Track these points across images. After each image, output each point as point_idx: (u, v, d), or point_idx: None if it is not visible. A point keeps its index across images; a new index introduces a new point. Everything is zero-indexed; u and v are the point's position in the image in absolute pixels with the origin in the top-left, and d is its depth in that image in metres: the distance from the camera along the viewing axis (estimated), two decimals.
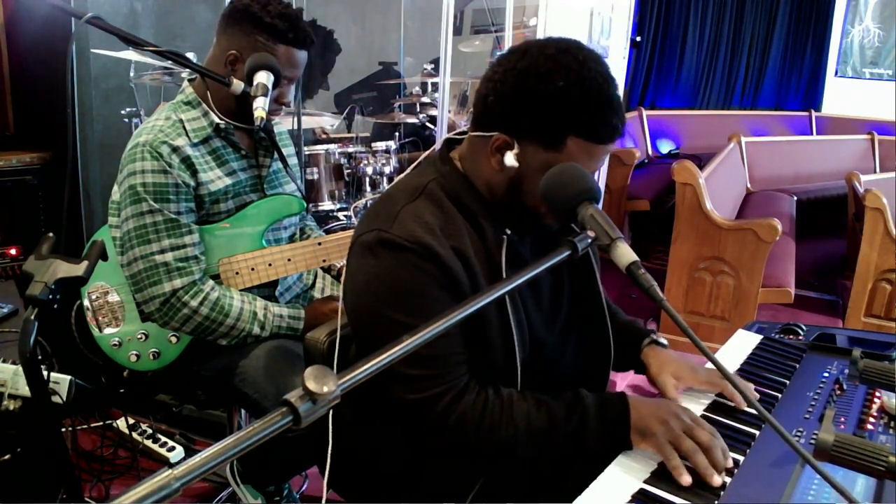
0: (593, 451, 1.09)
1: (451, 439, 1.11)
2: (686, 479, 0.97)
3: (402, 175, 1.23)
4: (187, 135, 1.62)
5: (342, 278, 1.22)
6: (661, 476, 1.01)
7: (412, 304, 1.08)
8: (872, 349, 1.28)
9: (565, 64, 1.05)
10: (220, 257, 1.68)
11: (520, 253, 1.18)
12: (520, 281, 0.84)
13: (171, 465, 0.55)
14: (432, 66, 3.97)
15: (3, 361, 1.67)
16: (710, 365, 1.25)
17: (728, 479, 0.98)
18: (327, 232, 2.10)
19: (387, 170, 3.30)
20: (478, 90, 1.15)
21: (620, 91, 1.14)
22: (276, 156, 1.77)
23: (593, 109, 1.05)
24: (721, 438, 1.03)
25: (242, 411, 1.91)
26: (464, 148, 1.20)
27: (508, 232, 1.16)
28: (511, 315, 1.13)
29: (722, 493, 0.95)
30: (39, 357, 1.23)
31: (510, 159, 1.09)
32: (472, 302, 0.77)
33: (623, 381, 3.04)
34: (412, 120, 3.75)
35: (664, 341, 1.34)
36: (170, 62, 1.93)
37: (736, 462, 1.02)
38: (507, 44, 3.47)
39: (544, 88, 1.05)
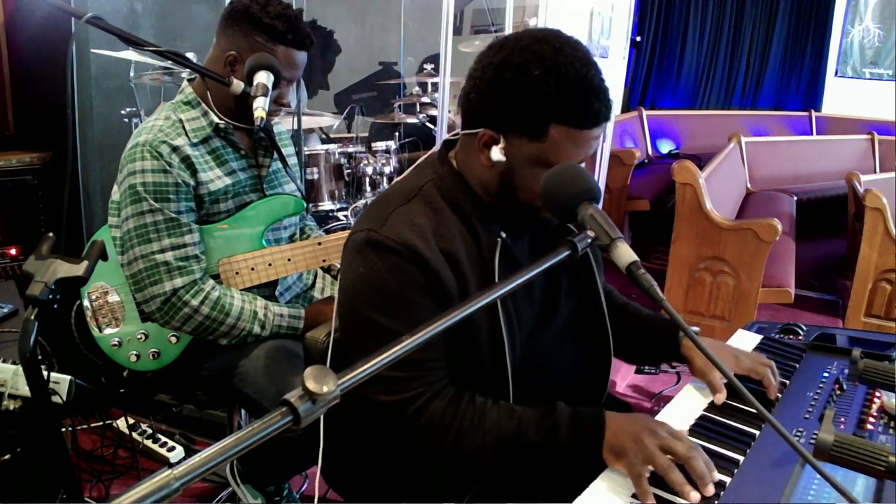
0: (563, 465, 1.07)
1: (418, 442, 1.11)
2: (650, 501, 0.94)
3: (401, 176, 1.23)
4: (187, 135, 1.62)
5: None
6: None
7: (392, 306, 1.08)
8: (872, 349, 1.29)
9: (540, 53, 1.04)
10: (219, 258, 1.68)
11: (515, 256, 1.18)
12: (515, 284, 0.83)
13: (171, 465, 0.55)
14: (432, 66, 3.98)
15: (3, 361, 1.66)
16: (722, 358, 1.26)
17: (728, 479, 0.98)
18: (327, 232, 2.11)
19: (387, 170, 3.30)
20: (462, 88, 1.16)
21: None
22: (275, 156, 1.77)
23: (572, 94, 1.04)
24: (702, 451, 0.99)
25: (242, 411, 1.91)
26: (458, 148, 1.20)
27: (503, 235, 1.16)
28: (502, 319, 1.13)
29: (722, 493, 0.95)
30: (39, 357, 1.23)
31: (497, 154, 1.09)
32: (463, 307, 0.77)
33: (623, 381, 3.04)
34: (412, 120, 3.75)
35: (696, 328, 1.34)
36: (170, 62, 1.93)
37: (736, 462, 1.02)
38: None
39: (521, 79, 1.05)
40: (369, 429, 1.20)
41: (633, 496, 0.97)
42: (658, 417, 1.17)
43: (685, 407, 1.21)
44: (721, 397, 1.19)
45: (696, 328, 1.36)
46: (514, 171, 1.11)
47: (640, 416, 1.08)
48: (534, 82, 1.04)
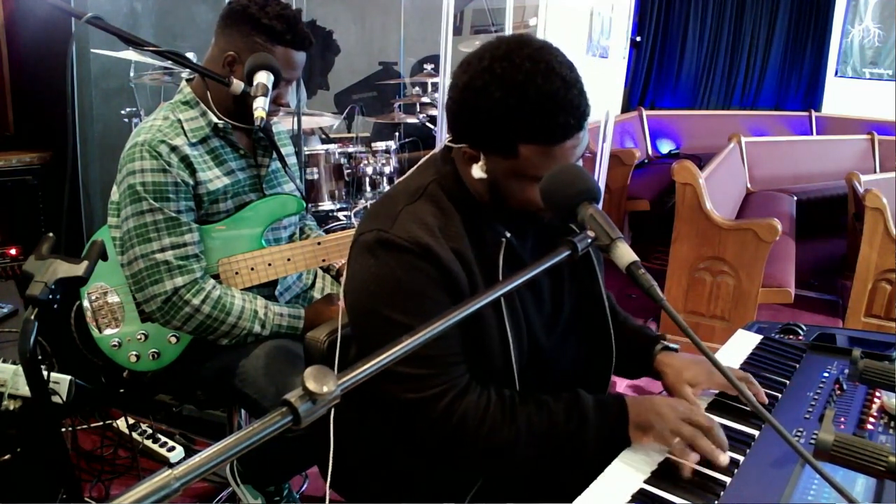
0: (593, 451, 1.09)
1: (451, 439, 1.11)
2: (694, 457, 0.99)
3: (404, 176, 1.23)
4: (185, 134, 1.62)
5: (342, 278, 1.22)
6: (662, 476, 1.01)
7: (410, 304, 1.08)
8: (872, 349, 1.28)
9: (500, 73, 1.02)
10: (218, 258, 1.68)
11: (519, 256, 1.18)
12: (519, 282, 0.83)
13: (171, 465, 0.55)
14: (432, 66, 3.98)
15: (3, 361, 1.66)
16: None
17: (728, 479, 0.98)
18: (327, 232, 2.10)
19: (387, 170, 3.30)
20: (442, 102, 1.17)
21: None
22: (274, 155, 1.77)
23: (534, 113, 1.02)
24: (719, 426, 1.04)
25: (242, 411, 1.91)
26: (455, 155, 1.20)
27: (507, 235, 1.16)
28: (507, 318, 1.13)
29: (722, 493, 0.95)
30: (39, 357, 1.23)
31: (478, 172, 1.10)
32: (471, 302, 0.77)
33: (623, 381, 3.04)
34: (412, 120, 3.75)
35: (675, 346, 1.33)
36: (170, 62, 1.93)
37: (736, 462, 1.02)
38: None
39: (484, 103, 1.04)
40: (399, 430, 1.20)
41: (633, 497, 0.97)
42: None
43: None
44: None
45: (675, 346, 1.35)
46: (498, 185, 1.11)
47: (657, 396, 1.12)
48: (495, 105, 1.03)
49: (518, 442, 1.10)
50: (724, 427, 1.12)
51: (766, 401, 1.19)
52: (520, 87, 1.01)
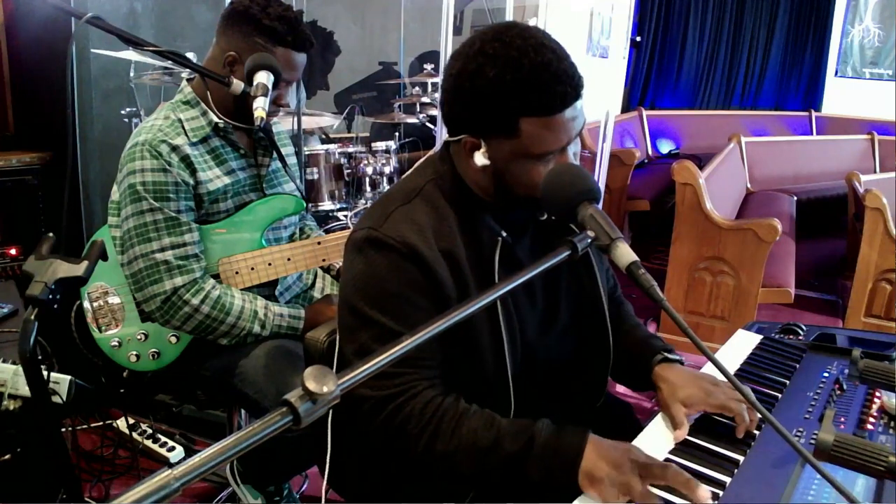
0: (536, 482, 1.03)
1: (391, 441, 1.11)
2: None
3: (403, 176, 1.24)
4: (186, 134, 1.62)
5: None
6: None
7: (389, 304, 1.09)
8: (872, 349, 1.28)
9: (492, 53, 1.04)
10: (219, 258, 1.68)
11: (516, 256, 1.18)
12: (510, 286, 0.83)
13: (171, 465, 0.55)
14: (432, 66, 3.98)
15: (3, 361, 1.66)
16: (707, 369, 1.25)
17: (728, 479, 0.98)
18: (327, 232, 2.11)
19: (387, 170, 3.30)
20: (439, 99, 1.17)
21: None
22: (275, 155, 1.77)
23: (530, 85, 1.03)
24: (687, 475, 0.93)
25: (242, 411, 1.91)
26: (453, 151, 1.21)
27: (504, 234, 1.16)
28: (502, 320, 1.13)
29: (722, 493, 0.95)
30: (39, 357, 1.23)
31: (481, 159, 1.09)
32: (462, 308, 0.76)
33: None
34: (412, 120, 3.75)
35: (679, 357, 1.27)
36: (170, 62, 1.93)
37: (736, 462, 1.02)
38: None
39: (479, 84, 1.05)
40: (354, 424, 1.20)
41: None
42: (658, 418, 1.17)
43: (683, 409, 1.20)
44: (681, 434, 1.10)
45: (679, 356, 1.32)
46: (502, 171, 1.11)
47: (626, 444, 1.02)
48: (491, 84, 1.04)
49: (457, 455, 1.07)
50: (725, 427, 1.12)
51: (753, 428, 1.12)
52: (514, 62, 1.03)
